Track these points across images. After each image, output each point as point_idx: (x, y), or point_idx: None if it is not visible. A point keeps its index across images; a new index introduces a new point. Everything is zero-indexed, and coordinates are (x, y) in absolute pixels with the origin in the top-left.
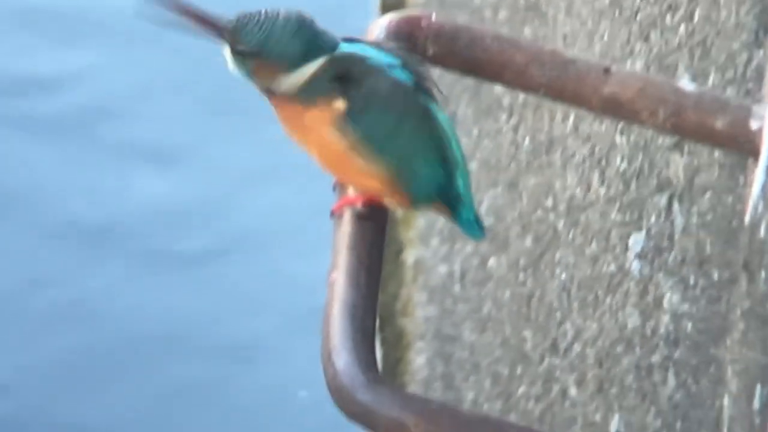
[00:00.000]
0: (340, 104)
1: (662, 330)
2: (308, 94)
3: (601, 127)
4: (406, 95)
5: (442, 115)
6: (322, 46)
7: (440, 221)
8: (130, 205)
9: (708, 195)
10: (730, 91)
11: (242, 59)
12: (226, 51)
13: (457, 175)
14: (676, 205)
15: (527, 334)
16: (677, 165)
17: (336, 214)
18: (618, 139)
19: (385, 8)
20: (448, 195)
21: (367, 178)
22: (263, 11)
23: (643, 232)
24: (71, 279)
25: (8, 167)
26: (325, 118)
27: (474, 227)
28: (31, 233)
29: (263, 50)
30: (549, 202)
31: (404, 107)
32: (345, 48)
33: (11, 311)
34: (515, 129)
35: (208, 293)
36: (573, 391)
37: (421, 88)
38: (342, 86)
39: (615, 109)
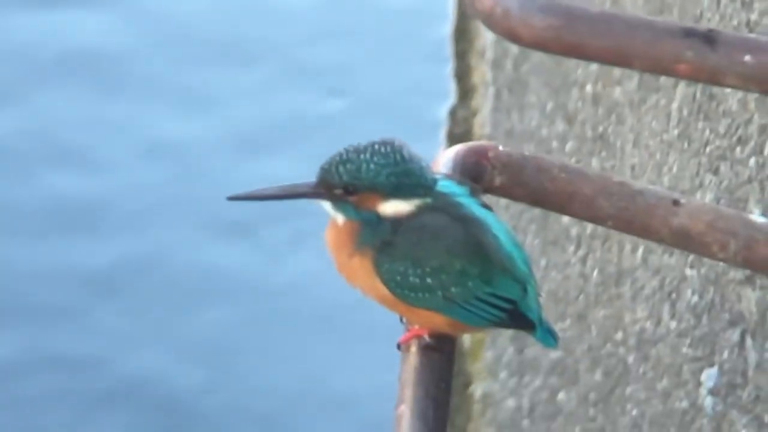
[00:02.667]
0: (374, 252)
1: None
2: (362, 239)
3: (671, 259)
4: (467, 229)
5: (503, 232)
6: (420, 179)
7: (508, 353)
8: None
9: None
10: None
11: (342, 203)
12: (326, 205)
13: (528, 290)
14: (749, 341)
15: None
16: (749, 299)
17: (403, 346)
18: (688, 272)
19: (452, 139)
20: (517, 312)
21: (422, 315)
22: (344, 149)
23: (716, 367)
24: None
25: None
26: (366, 265)
27: (546, 336)
28: None
29: (356, 182)
30: (619, 336)
31: (460, 245)
32: (442, 186)
33: None
34: (583, 261)
35: None
36: None
37: (484, 206)
38: (393, 231)
39: (685, 241)
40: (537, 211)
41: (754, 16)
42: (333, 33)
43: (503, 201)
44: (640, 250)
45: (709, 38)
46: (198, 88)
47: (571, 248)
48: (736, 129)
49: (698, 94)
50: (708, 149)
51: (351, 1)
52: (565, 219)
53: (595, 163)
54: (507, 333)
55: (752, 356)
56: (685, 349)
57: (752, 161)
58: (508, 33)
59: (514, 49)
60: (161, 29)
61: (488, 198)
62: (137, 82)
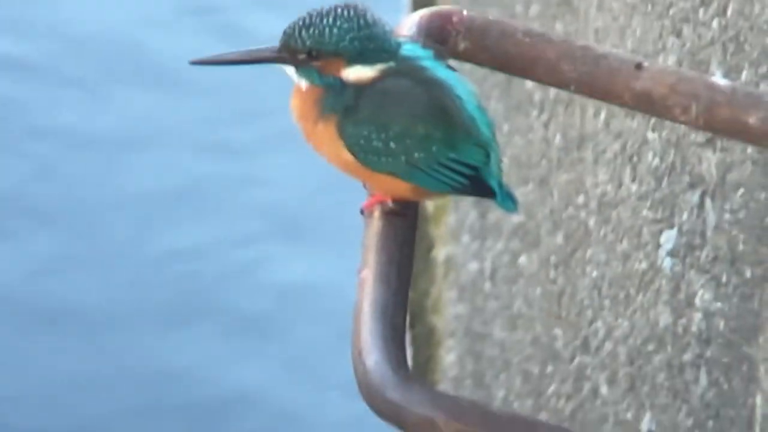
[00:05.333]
0: (338, 117)
1: (694, 328)
2: (326, 106)
3: (632, 123)
4: (431, 93)
5: (467, 94)
6: (384, 43)
7: (471, 217)
8: None
9: (740, 192)
10: (763, 87)
11: (306, 68)
12: (289, 70)
13: (490, 155)
14: (708, 202)
15: (558, 332)
16: (710, 161)
17: (366, 212)
18: (650, 135)
19: (416, 4)
20: (478, 178)
21: (385, 181)
22: (307, 13)
23: (675, 229)
24: None
25: None
26: (330, 131)
27: (506, 200)
28: None
29: (319, 47)
30: (580, 199)
31: (424, 109)
32: (406, 50)
33: None
34: (546, 125)
35: None
36: (604, 389)
37: (449, 68)
38: (356, 96)
39: (647, 104)
40: (500, 76)
41: None
42: None
43: (467, 66)
44: (603, 114)
45: None
46: None
47: (534, 113)
48: None
49: None
50: (671, 11)
51: None
52: (529, 84)
53: (558, 27)
54: (469, 197)
55: (711, 217)
56: (645, 212)
57: (715, 23)
58: None
59: None
60: None
61: (452, 63)
62: None
